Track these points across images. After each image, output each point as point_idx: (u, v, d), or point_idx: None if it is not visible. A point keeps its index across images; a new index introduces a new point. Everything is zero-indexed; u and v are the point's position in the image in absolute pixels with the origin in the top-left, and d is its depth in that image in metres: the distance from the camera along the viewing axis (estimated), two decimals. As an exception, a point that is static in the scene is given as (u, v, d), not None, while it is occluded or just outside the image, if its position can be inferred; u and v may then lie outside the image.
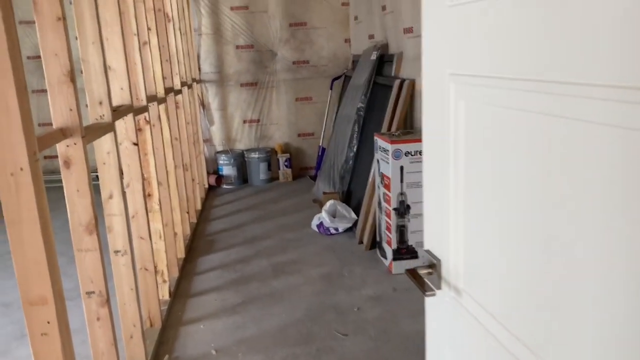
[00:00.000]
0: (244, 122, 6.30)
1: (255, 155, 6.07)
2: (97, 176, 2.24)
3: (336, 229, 4.20)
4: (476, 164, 0.89)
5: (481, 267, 0.95)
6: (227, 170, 6.06)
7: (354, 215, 4.22)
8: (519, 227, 0.81)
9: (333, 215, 4.26)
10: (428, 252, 1.17)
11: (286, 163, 6.18)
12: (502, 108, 0.80)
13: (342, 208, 4.28)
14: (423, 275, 1.16)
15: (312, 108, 6.31)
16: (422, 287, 1.10)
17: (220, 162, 6.09)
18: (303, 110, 6.32)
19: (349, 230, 4.22)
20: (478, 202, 0.91)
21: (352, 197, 4.53)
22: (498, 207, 0.86)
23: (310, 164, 6.37)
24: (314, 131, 6.33)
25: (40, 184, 1.47)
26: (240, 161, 6.12)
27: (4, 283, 3.61)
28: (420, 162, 3.33)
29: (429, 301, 1.21)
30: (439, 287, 1.11)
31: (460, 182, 0.96)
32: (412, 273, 1.15)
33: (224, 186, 6.05)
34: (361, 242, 4.01)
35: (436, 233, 1.14)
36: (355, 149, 4.59)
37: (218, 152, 6.20)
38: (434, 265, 1.15)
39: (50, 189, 1.61)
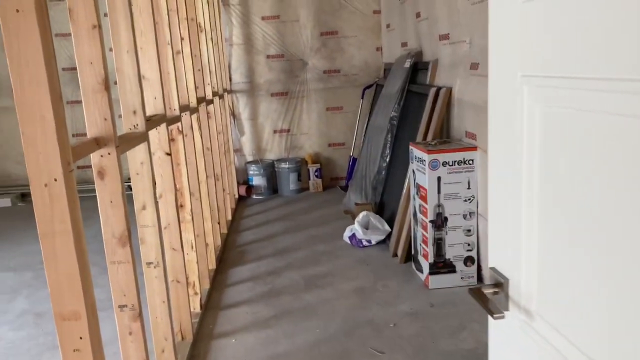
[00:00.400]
0: (274, 132, 6.27)
1: (285, 165, 6.02)
2: (129, 186, 2.21)
3: (369, 241, 4.09)
4: (554, 172, 0.79)
5: (560, 287, 0.84)
6: (257, 180, 6.03)
7: (387, 227, 4.11)
8: (609, 242, 0.70)
9: (366, 227, 4.16)
10: (494, 270, 1.07)
11: (316, 173, 6.11)
12: (586, 112, 0.70)
13: (375, 220, 4.18)
14: (488, 296, 1.05)
15: (342, 117, 6.24)
16: (489, 309, 0.99)
17: (251, 172, 6.06)
18: (334, 119, 6.26)
19: (382, 242, 4.11)
20: (557, 216, 0.81)
21: (385, 208, 4.42)
22: (582, 220, 0.75)
23: (341, 174, 6.28)
24: (344, 141, 6.25)
25: (74, 195, 1.43)
26: (270, 171, 6.08)
27: (37, 293, 3.62)
28: (458, 172, 3.22)
29: (493, 324, 1.10)
30: (506, 309, 1.00)
31: (534, 194, 0.86)
32: (477, 293, 1.05)
33: (254, 196, 6.02)
34: (395, 255, 3.90)
35: (503, 249, 1.04)
36: (388, 159, 4.49)
37: (248, 162, 6.18)
38: (500, 285, 1.04)
39: (82, 199, 1.57)
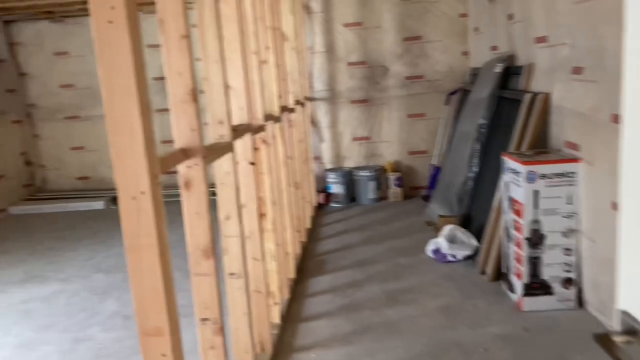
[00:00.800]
0: (354, 139, 6.18)
1: (364, 173, 5.91)
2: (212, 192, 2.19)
3: (454, 257, 3.88)
4: None
5: None
6: (336, 188, 5.96)
7: (475, 243, 3.88)
8: None
9: (451, 241, 3.95)
10: (627, 315, 0.89)
11: (396, 182, 5.94)
12: None
13: (462, 234, 3.95)
14: (619, 345, 0.88)
15: (425, 124, 6.03)
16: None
17: (329, 180, 6.01)
18: (415, 127, 6.06)
19: (469, 258, 3.88)
20: None
21: (471, 221, 4.17)
22: None
23: (422, 183, 6.07)
24: (426, 149, 6.03)
25: (160, 209, 1.40)
26: (349, 179, 5.99)
27: (126, 295, 3.74)
28: (558, 186, 2.95)
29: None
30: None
31: None
32: (604, 340, 0.88)
33: (332, 204, 5.95)
34: (483, 272, 3.65)
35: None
36: (475, 169, 4.25)
37: (327, 170, 6.13)
38: (635, 332, 0.87)
39: (167, 203, 1.55)
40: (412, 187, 6.12)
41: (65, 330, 3.26)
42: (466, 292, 3.42)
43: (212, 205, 1.88)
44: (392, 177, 5.94)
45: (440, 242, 3.94)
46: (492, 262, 3.54)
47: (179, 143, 1.76)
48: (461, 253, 3.86)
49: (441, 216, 4.42)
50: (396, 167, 6.07)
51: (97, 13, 1.25)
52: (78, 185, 6.81)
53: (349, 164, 6.21)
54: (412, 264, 3.97)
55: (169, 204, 1.76)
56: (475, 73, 5.21)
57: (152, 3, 1.85)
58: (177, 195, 1.85)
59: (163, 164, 1.48)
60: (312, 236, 4.82)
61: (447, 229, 3.99)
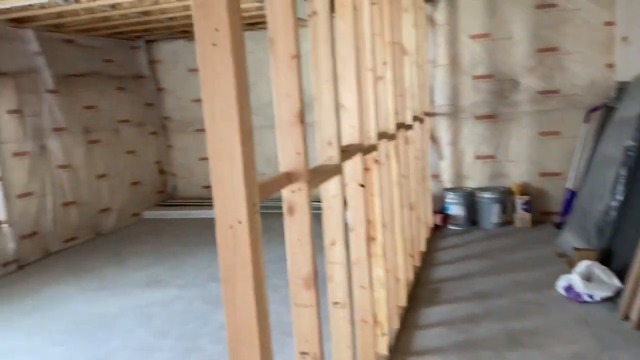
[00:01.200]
0: (477, 157, 5.79)
1: (487, 194, 5.50)
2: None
3: (591, 296, 3.40)
4: None
5: None
6: (455, 209, 5.61)
7: (617, 282, 3.36)
8: None
9: (587, 278, 3.47)
10: None
11: (524, 206, 5.44)
12: None
13: (601, 271, 3.45)
14: None
15: (559, 144, 5.47)
16: None
17: (448, 200, 5.68)
18: (548, 146, 5.52)
19: (608, 300, 3.37)
20: None
21: (613, 257, 3.64)
22: None
23: (554, 208, 5.49)
24: (560, 170, 5.46)
25: (257, 239, 1.32)
26: (470, 200, 5.61)
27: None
28: None
29: None
30: None
31: None
32: None
33: (450, 227, 5.61)
34: (627, 318, 3.15)
35: None
36: (620, 198, 3.71)
37: (446, 190, 5.81)
38: None
39: (268, 215, 1.47)
40: (542, 212, 5.57)
41: (178, 338, 3.38)
42: (604, 340, 2.96)
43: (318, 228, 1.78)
44: (519, 200, 5.45)
45: (574, 278, 3.48)
46: (638, 307, 3.03)
47: (284, 166, 1.69)
48: (599, 293, 3.37)
49: (576, 249, 3.93)
50: (524, 190, 5.56)
51: (201, 35, 1.21)
52: (204, 193, 7.20)
53: (470, 184, 5.83)
54: (540, 300, 3.56)
55: (268, 215, 1.69)
56: (622, 88, 4.61)
57: (263, 22, 1.80)
58: (273, 207, 1.77)
59: (263, 191, 1.41)
60: (427, 261, 4.56)
61: (584, 265, 3.52)
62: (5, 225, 4.91)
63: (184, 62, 7.04)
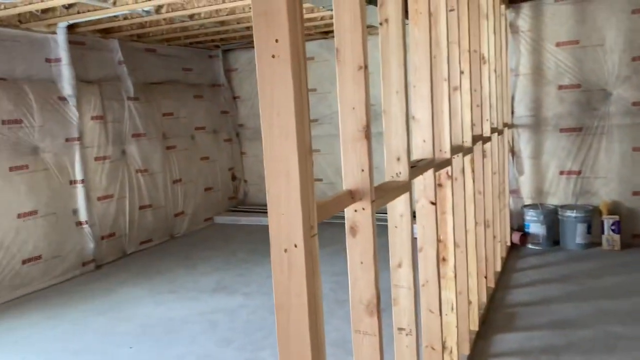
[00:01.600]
0: (561, 173, 5.39)
1: (572, 213, 5.09)
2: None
3: (693, 335, 3.01)
4: None
5: None
6: (535, 228, 5.25)
7: None
8: None
9: (689, 314, 3.08)
10: None
11: (613, 227, 4.99)
12: None
13: None
14: None
15: (656, 160, 4.98)
16: None
17: (527, 217, 5.32)
18: (642, 162, 5.04)
19: None
20: None
21: None
22: None
23: (648, 231, 5.00)
24: (656, 190, 4.96)
25: (314, 265, 1.22)
26: (552, 219, 5.22)
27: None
28: None
29: None
30: None
31: None
32: None
33: (529, 246, 5.25)
34: None
35: None
36: None
37: (525, 206, 5.45)
38: None
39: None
40: (635, 234, 5.08)
41: (241, 348, 3.36)
42: None
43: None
44: (608, 220, 5.01)
45: (672, 313, 3.11)
46: None
47: (347, 184, 1.59)
48: None
49: (675, 279, 3.52)
50: (614, 209, 5.11)
51: (260, 46, 1.14)
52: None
53: (552, 200, 5.44)
54: (632, 335, 3.20)
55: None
56: None
57: (330, 32, 1.71)
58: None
59: (322, 212, 1.31)
60: (502, 282, 4.27)
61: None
62: (86, 226, 5.16)
63: (258, 70, 7.15)
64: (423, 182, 2.30)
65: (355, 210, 1.58)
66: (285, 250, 1.19)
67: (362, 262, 1.61)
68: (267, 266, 5.00)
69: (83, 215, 5.14)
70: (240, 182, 7.61)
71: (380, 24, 1.88)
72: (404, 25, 1.90)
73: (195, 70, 6.95)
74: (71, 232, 5.04)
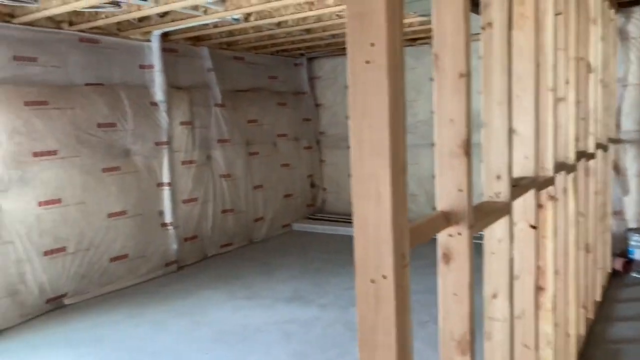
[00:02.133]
0: (674, 194, 4.83)
1: (687, 240, 4.53)
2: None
3: None
4: None
5: None
6: (641, 254, 4.73)
7: None
8: None
9: None
10: None
11: None
12: None
13: None
14: None
15: None
16: None
17: (632, 242, 4.80)
18: None
19: None
20: None
21: None
22: None
23: None
24: None
25: (405, 299, 1.07)
26: (663, 245, 4.68)
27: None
28: None
29: None
30: None
31: None
32: None
33: (633, 274, 4.73)
34: None
35: None
36: None
37: (629, 230, 4.93)
38: None
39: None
40: None
41: (315, 363, 3.25)
42: None
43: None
44: None
45: None
46: None
47: (441, 205, 1.42)
48: None
49: None
50: None
51: (353, 51, 1.02)
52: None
53: (663, 225, 4.88)
54: None
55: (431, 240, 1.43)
56: None
57: (425, 37, 1.56)
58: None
59: (415, 237, 1.16)
60: (603, 314, 3.85)
61: None
62: (170, 227, 5.31)
63: (342, 78, 7.08)
64: (523, 203, 2.07)
65: (450, 235, 1.42)
66: (373, 281, 1.05)
67: (455, 294, 1.43)
68: (343, 277, 4.88)
69: (168, 217, 5.29)
70: (319, 189, 7.57)
71: (483, 28, 1.70)
72: (509, 29, 1.71)
73: (280, 78, 7.00)
74: (156, 233, 5.21)
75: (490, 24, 1.70)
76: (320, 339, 3.62)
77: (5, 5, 3.85)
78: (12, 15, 4.06)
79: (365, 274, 1.06)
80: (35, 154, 4.22)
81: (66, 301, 4.41)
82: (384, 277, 1.04)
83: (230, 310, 4.22)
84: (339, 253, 5.74)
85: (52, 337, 3.79)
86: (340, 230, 6.60)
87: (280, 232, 6.83)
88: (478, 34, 1.74)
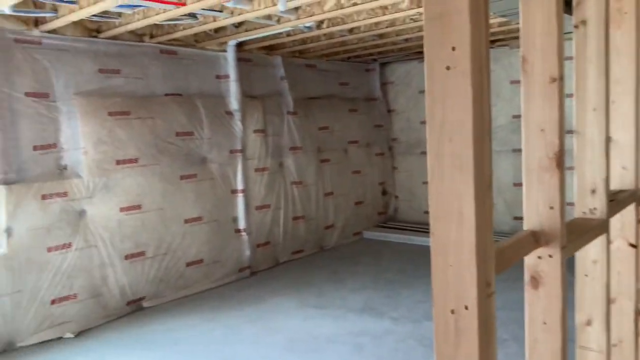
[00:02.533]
0: None
1: None
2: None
3: None
4: None
5: None
6: None
7: None
8: None
9: None
10: None
11: None
12: None
13: None
14: None
15: None
16: None
17: None
18: None
19: None
20: None
21: None
22: None
23: None
24: None
25: (489, 332, 0.96)
26: None
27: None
28: None
29: None
30: None
31: None
32: None
33: None
34: None
35: None
36: None
37: None
38: None
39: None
40: None
41: (386, 380, 3.14)
42: None
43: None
44: None
45: None
46: None
47: (529, 223, 1.29)
48: None
49: None
50: None
51: (431, 56, 0.92)
52: (425, 219, 6.90)
53: None
54: None
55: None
56: None
57: (503, 39, 1.43)
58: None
59: (501, 261, 1.04)
60: None
61: None
62: (244, 234, 5.39)
63: (416, 83, 6.91)
64: (621, 219, 1.86)
65: (539, 257, 1.28)
66: (453, 312, 0.95)
67: (545, 323, 1.29)
68: (416, 289, 4.72)
69: (242, 223, 5.37)
70: (391, 197, 7.41)
71: (576, 26, 1.54)
72: (606, 27, 1.54)
73: (352, 84, 6.94)
74: (230, 238, 5.30)
75: (584, 22, 1.53)
76: (393, 353, 3.50)
77: (93, 21, 4.07)
78: (98, 31, 4.29)
79: (444, 303, 0.96)
80: (118, 162, 4.43)
81: (145, 304, 4.58)
82: (466, 307, 0.93)
83: (301, 319, 4.19)
84: (412, 263, 5.57)
85: (131, 339, 3.94)
86: (414, 239, 6.41)
87: (351, 240, 6.75)
88: (566, 33, 1.59)
